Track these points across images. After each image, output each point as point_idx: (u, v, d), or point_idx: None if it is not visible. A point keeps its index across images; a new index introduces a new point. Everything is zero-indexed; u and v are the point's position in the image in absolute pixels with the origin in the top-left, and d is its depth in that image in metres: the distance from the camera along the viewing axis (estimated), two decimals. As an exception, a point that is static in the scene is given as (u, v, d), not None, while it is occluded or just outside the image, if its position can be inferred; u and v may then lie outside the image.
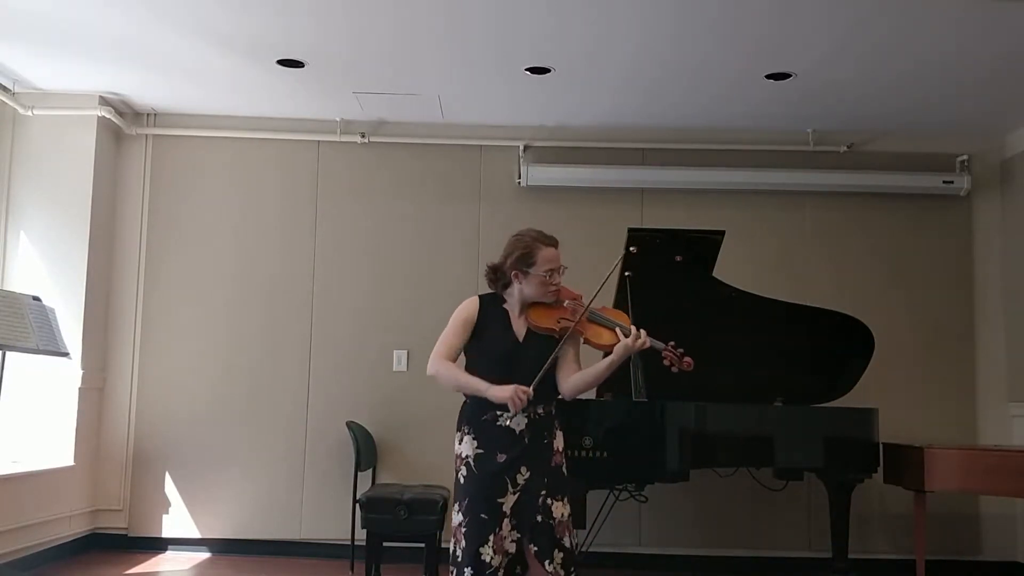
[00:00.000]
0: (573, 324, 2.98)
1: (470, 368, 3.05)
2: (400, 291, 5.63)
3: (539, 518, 2.93)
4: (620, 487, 4.54)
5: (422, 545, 4.58)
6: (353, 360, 5.58)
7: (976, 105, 5.19)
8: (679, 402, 4.24)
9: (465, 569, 2.88)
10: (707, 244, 4.53)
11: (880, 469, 4.63)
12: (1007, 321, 5.57)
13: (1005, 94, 4.99)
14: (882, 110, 5.31)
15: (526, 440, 2.98)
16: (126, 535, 5.47)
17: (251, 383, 5.56)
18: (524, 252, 3.02)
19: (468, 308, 3.09)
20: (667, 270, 4.40)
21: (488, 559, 2.87)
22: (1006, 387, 5.53)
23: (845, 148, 5.69)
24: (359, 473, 4.97)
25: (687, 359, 3.05)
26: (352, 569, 4.92)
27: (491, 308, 3.09)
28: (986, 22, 4.11)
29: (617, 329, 2.98)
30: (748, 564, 5.41)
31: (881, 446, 4.61)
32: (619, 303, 4.24)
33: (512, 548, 2.92)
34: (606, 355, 2.99)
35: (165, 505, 5.47)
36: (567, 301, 3.07)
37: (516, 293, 3.06)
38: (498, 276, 3.09)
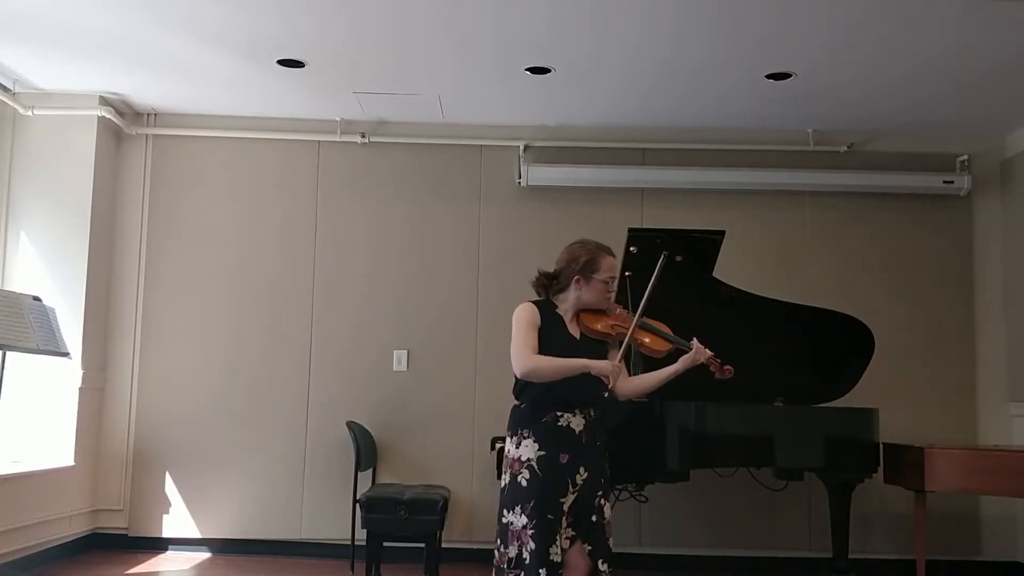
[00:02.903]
0: (628, 330, 3.09)
1: None
2: (400, 291, 5.63)
3: (594, 518, 3.03)
4: (620, 487, 4.54)
5: (422, 545, 4.58)
6: (353, 360, 5.58)
7: (976, 105, 5.19)
8: (679, 402, 4.23)
9: (540, 570, 2.92)
10: (707, 244, 4.53)
11: (880, 469, 4.63)
12: (1007, 321, 5.57)
13: (1005, 94, 4.99)
14: (882, 110, 5.31)
15: (584, 440, 3.06)
16: (126, 535, 5.47)
17: (251, 383, 5.56)
18: (590, 258, 3.14)
19: (530, 310, 3.15)
20: (667, 270, 4.39)
21: (557, 559, 2.95)
22: (1006, 387, 5.53)
23: (845, 148, 5.69)
24: (359, 473, 4.97)
25: (727, 367, 3.17)
26: (352, 569, 4.92)
27: (547, 313, 3.16)
28: (986, 22, 4.11)
29: (670, 341, 3.16)
30: (748, 564, 5.42)
31: (881, 446, 4.61)
32: (619, 303, 4.23)
33: (566, 545, 2.99)
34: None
35: (165, 505, 5.47)
36: (617, 309, 3.20)
37: (572, 299, 3.15)
38: (554, 282, 3.18)
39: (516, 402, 3.15)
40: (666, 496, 5.16)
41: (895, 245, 5.68)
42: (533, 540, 2.96)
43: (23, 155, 5.33)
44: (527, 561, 2.97)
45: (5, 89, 5.20)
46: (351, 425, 5.12)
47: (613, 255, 3.21)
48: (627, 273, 4.29)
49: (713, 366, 3.14)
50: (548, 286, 3.19)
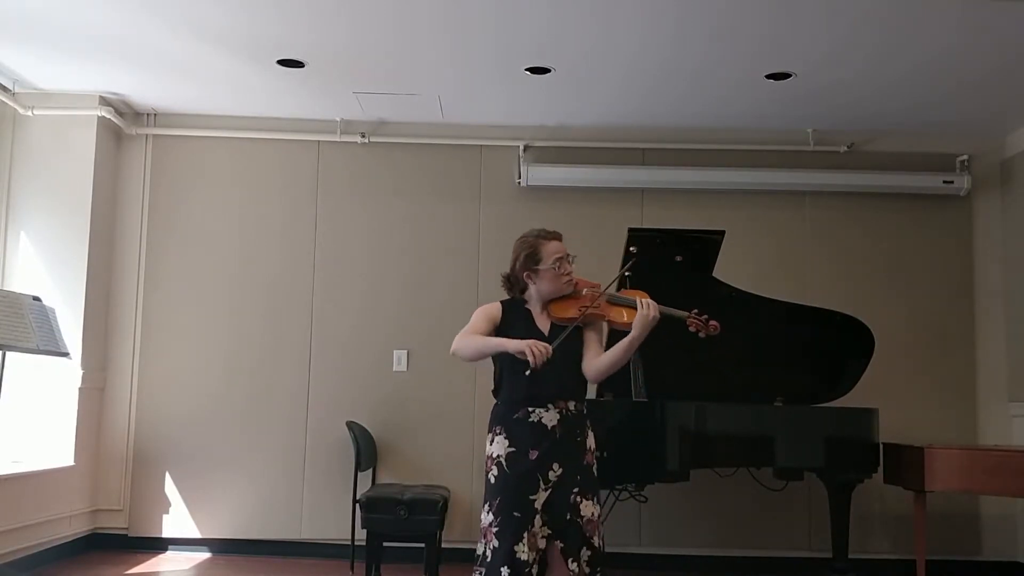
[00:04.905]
0: (590, 307, 3.00)
1: (497, 368, 3.11)
2: (400, 291, 5.63)
3: (568, 516, 2.95)
4: (620, 487, 4.54)
5: (422, 545, 4.58)
6: (353, 360, 5.58)
7: (976, 105, 5.19)
8: (679, 402, 4.23)
9: (502, 568, 2.88)
10: (707, 244, 4.53)
11: (880, 469, 4.63)
12: (1007, 321, 5.57)
13: (1005, 94, 5.00)
14: (882, 110, 5.31)
15: (557, 435, 3.00)
16: (126, 535, 5.47)
17: (251, 383, 5.56)
18: (529, 251, 3.07)
19: (491, 308, 3.14)
20: (667, 270, 4.40)
21: (524, 556, 2.88)
22: (1006, 387, 5.53)
23: (845, 148, 5.69)
24: (359, 473, 4.97)
25: (713, 323, 3.04)
26: (352, 569, 4.91)
27: (513, 310, 3.13)
28: (986, 22, 4.11)
29: (637, 303, 2.99)
30: (748, 564, 5.41)
31: (881, 446, 4.62)
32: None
33: (543, 544, 2.93)
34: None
35: (165, 505, 5.47)
36: (586, 289, 3.10)
37: (534, 294, 3.11)
38: (513, 282, 3.13)
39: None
40: (666, 496, 5.16)
41: (895, 245, 5.68)
42: (497, 538, 2.93)
43: (23, 155, 5.33)
44: (489, 559, 2.93)
45: (5, 89, 5.19)
46: (351, 425, 5.12)
47: (557, 238, 3.10)
48: (627, 273, 4.29)
49: (694, 324, 3.02)
50: (511, 288, 3.15)
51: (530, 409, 3.00)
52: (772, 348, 4.70)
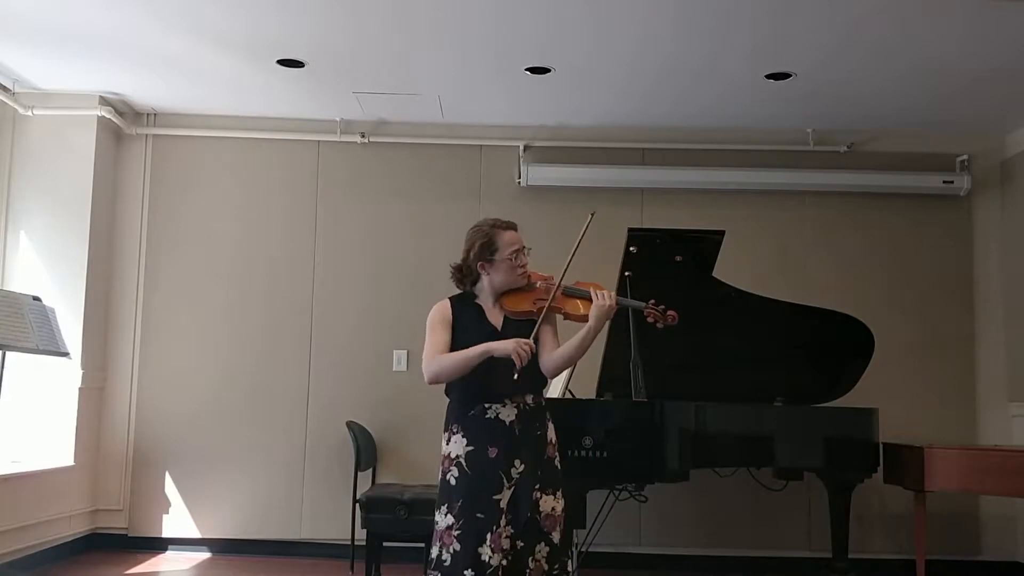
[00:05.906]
0: (548, 301, 2.95)
1: None
2: (400, 291, 5.63)
3: (529, 513, 2.88)
4: (620, 487, 4.53)
5: (422, 545, 4.57)
6: (353, 360, 5.58)
7: (976, 105, 5.19)
8: (679, 402, 4.23)
9: (465, 572, 2.79)
10: (707, 244, 4.52)
11: (880, 469, 4.63)
12: (1007, 321, 5.57)
13: (1005, 94, 5.00)
14: (882, 110, 5.31)
15: (517, 432, 2.93)
16: (126, 535, 5.47)
17: (251, 383, 5.56)
18: (485, 241, 3.01)
19: (441, 309, 3.05)
20: (667, 270, 4.40)
21: (487, 558, 2.80)
22: (1006, 387, 5.53)
23: (845, 148, 5.69)
24: (359, 473, 4.97)
25: (671, 312, 2.99)
26: (352, 569, 4.92)
27: (463, 307, 3.04)
28: (986, 22, 4.11)
29: (592, 293, 2.94)
30: (748, 564, 5.41)
31: (881, 446, 4.61)
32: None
33: (507, 545, 2.86)
34: None
35: (165, 505, 5.47)
36: (539, 282, 3.05)
37: (487, 285, 3.03)
38: (464, 273, 3.06)
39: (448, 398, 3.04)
40: (666, 496, 5.16)
41: (895, 245, 5.68)
42: (458, 541, 2.83)
43: (23, 155, 5.33)
44: (447, 563, 2.83)
45: (5, 89, 5.19)
46: (351, 425, 5.12)
47: (513, 228, 3.04)
48: (627, 273, 4.29)
49: (652, 315, 2.97)
50: (462, 279, 3.07)
51: (486, 405, 2.94)
52: (772, 348, 4.69)
